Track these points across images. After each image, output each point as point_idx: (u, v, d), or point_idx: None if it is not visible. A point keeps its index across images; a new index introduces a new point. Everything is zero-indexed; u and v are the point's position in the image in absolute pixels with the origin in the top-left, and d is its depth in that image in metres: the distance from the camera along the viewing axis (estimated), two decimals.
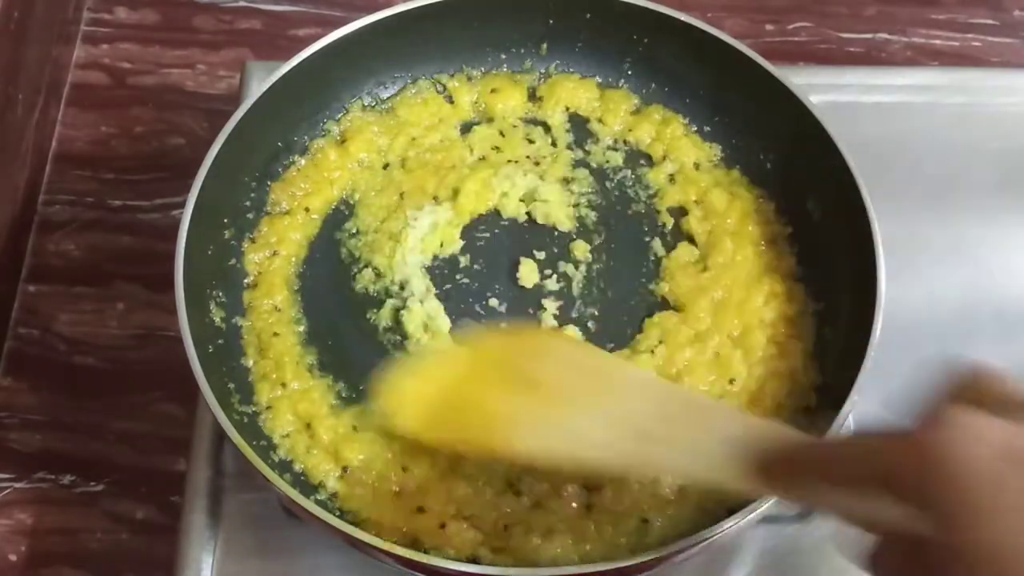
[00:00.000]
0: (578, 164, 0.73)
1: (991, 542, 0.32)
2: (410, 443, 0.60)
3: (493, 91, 0.75)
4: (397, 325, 0.66)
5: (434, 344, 0.65)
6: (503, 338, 0.57)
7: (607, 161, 0.73)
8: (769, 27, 0.94)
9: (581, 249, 0.70)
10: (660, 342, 0.65)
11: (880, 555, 0.37)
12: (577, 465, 0.51)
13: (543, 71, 0.77)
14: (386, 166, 0.73)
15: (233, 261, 0.68)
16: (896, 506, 0.35)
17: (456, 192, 0.70)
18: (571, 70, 0.76)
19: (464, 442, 0.54)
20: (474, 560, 0.58)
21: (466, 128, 0.75)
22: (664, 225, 0.71)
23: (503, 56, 0.76)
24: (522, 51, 0.76)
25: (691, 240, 0.70)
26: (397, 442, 0.61)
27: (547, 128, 0.75)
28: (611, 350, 0.66)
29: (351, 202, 0.71)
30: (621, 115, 0.75)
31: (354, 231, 0.70)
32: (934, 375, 0.37)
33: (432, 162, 0.72)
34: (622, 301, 0.68)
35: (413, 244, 0.68)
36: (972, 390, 0.37)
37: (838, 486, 0.38)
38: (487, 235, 0.71)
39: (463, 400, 0.52)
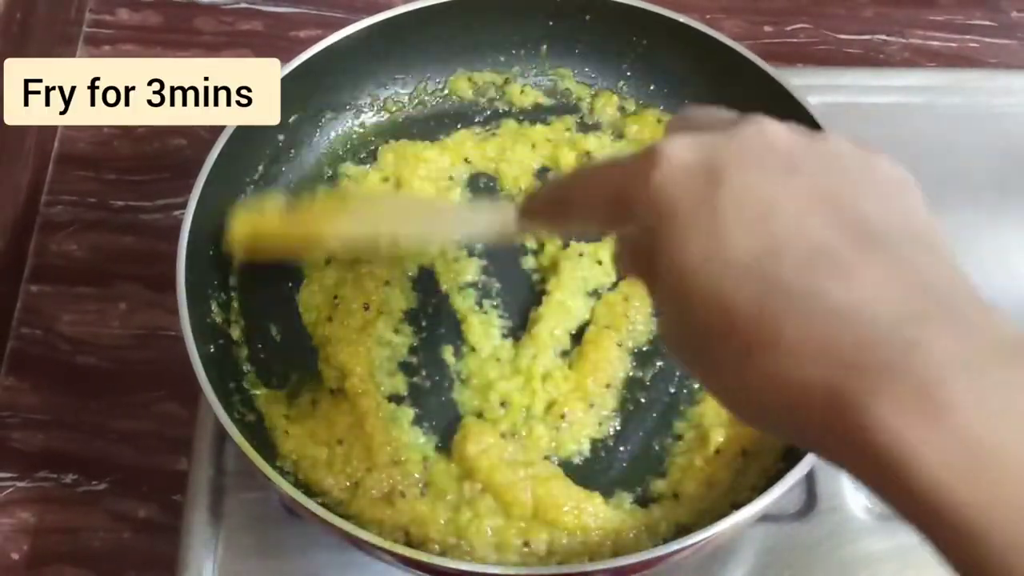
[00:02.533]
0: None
1: (681, 253, 0.33)
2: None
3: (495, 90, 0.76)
4: None
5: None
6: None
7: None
8: (767, 28, 0.94)
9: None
10: None
11: (618, 254, 0.43)
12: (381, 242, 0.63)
13: (543, 73, 0.77)
14: None
15: (236, 261, 0.69)
16: (620, 222, 0.39)
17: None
18: (571, 71, 0.77)
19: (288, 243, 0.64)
20: None
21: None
22: None
23: (503, 58, 0.77)
24: (522, 52, 0.77)
25: None
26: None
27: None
28: None
29: None
30: (617, 117, 0.75)
31: None
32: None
33: None
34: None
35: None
36: (686, 120, 0.39)
37: (574, 216, 0.41)
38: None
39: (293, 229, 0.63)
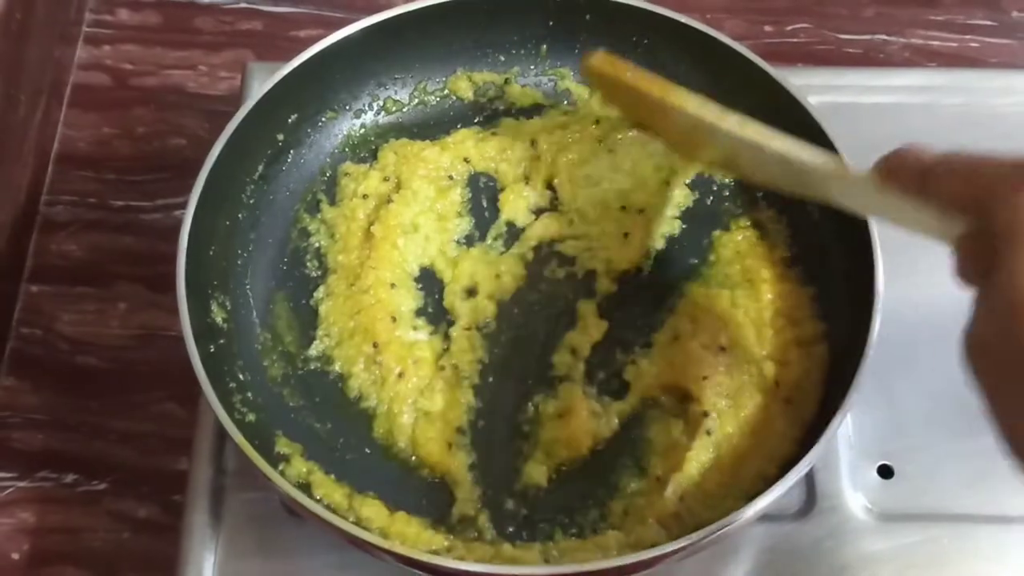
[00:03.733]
0: None
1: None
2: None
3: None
4: None
5: None
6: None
7: None
8: (768, 28, 0.94)
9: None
10: None
11: (958, 255, 0.44)
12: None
13: (543, 73, 0.77)
14: None
15: (237, 262, 0.69)
16: (971, 214, 0.41)
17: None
18: (571, 72, 0.77)
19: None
20: None
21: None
22: None
23: (503, 58, 0.77)
24: (522, 52, 0.77)
25: None
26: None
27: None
28: None
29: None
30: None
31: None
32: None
33: None
34: None
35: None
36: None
37: (931, 192, 0.44)
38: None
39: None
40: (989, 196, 0.38)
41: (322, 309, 0.68)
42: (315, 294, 0.69)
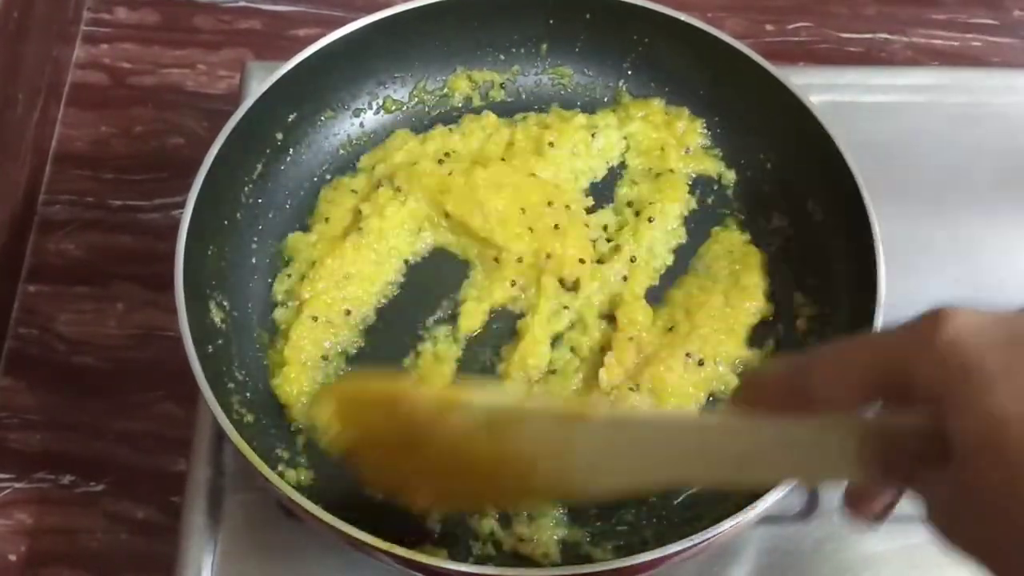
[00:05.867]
0: None
1: (1000, 404, 0.32)
2: None
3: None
4: None
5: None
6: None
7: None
8: (769, 27, 0.94)
9: None
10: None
11: (872, 457, 0.36)
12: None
13: (543, 72, 0.77)
14: None
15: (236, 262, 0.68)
16: (880, 397, 0.36)
17: None
18: (571, 70, 0.77)
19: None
20: None
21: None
22: None
23: (503, 56, 0.77)
24: (522, 51, 0.77)
25: None
26: None
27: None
28: None
29: None
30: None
31: None
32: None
33: None
34: None
35: None
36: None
37: (817, 400, 0.38)
38: None
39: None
40: (899, 361, 0.35)
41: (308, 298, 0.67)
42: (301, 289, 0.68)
